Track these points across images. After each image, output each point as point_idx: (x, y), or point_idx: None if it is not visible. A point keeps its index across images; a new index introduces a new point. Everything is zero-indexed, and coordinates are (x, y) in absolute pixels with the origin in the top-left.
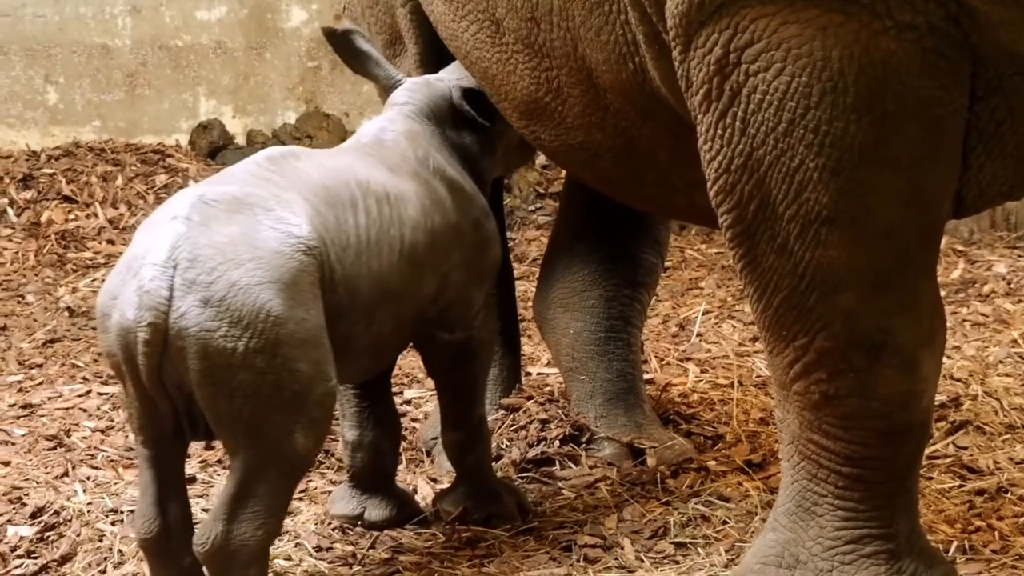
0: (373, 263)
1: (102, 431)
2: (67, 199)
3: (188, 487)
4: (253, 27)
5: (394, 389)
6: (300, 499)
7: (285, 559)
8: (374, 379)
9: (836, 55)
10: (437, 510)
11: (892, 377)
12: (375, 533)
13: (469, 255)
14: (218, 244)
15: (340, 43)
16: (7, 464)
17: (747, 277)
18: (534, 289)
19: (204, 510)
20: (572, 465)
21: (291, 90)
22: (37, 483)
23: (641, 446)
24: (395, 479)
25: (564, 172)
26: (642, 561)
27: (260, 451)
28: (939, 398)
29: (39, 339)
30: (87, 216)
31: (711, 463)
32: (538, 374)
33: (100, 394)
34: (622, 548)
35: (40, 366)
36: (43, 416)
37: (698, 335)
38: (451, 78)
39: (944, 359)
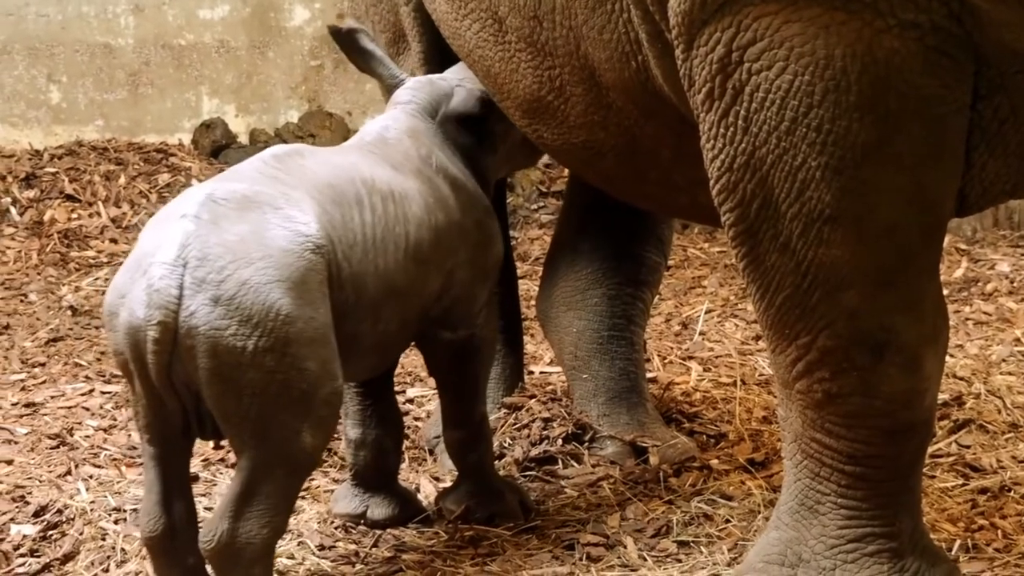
0: (379, 261)
1: (105, 430)
2: (70, 198)
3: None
4: (256, 26)
5: (396, 388)
6: (303, 498)
7: (288, 558)
8: (377, 377)
9: (839, 53)
10: (440, 509)
11: (895, 376)
12: (378, 532)
13: (473, 253)
14: (228, 243)
15: (345, 41)
16: (10, 463)
17: (750, 276)
18: (537, 288)
19: (207, 509)
20: (575, 464)
21: (294, 89)
22: (40, 482)
23: (644, 445)
24: (398, 478)
25: (567, 171)
26: (645, 560)
27: (267, 450)
28: (942, 397)
29: (42, 338)
30: (90, 215)
31: (714, 462)
32: (541, 373)
33: (103, 393)
34: (625, 547)
35: (43, 365)
36: (46, 415)
37: (701, 334)
38: (455, 78)
39: (947, 358)
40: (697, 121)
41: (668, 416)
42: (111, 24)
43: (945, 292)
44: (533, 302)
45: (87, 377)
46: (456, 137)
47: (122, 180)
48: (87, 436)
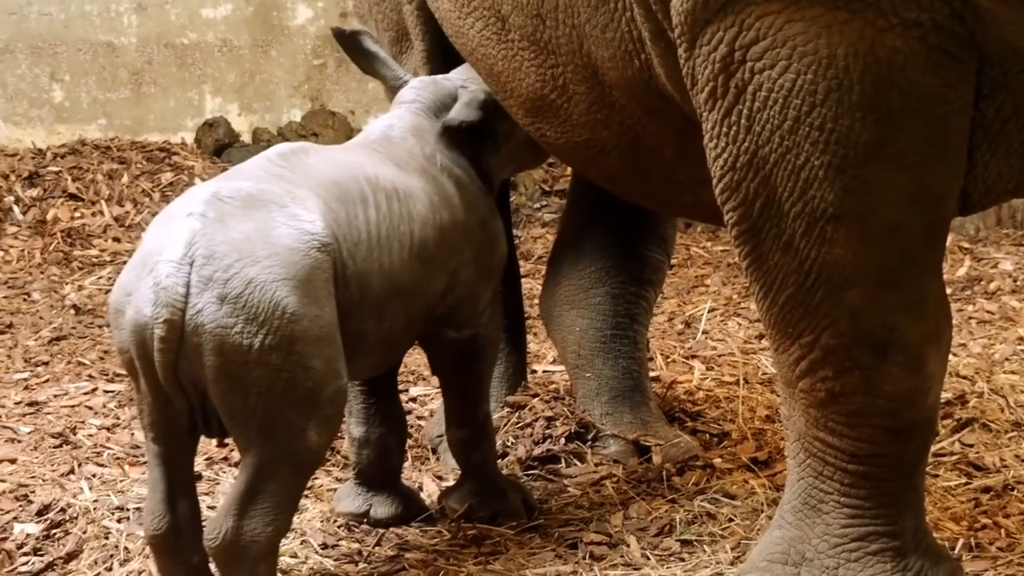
0: (384, 259)
1: (108, 429)
2: (73, 197)
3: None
4: (259, 25)
5: (400, 387)
6: (306, 497)
7: (291, 556)
8: (381, 376)
9: (841, 53)
10: (443, 507)
11: (898, 375)
12: (381, 530)
13: (477, 252)
14: (234, 241)
15: (348, 43)
16: (13, 462)
17: (753, 274)
18: (540, 287)
19: (210, 508)
20: (578, 462)
21: (297, 88)
22: (43, 481)
23: (647, 443)
24: (401, 476)
25: (570, 170)
26: (648, 559)
27: (272, 448)
28: (945, 395)
29: (45, 337)
30: (93, 214)
31: (717, 460)
32: (544, 371)
33: (106, 392)
34: (628, 546)
35: (46, 364)
36: (49, 414)
37: (704, 332)
38: (460, 78)
39: (950, 356)
40: (700, 120)
41: (671, 415)
42: (114, 23)
43: (948, 291)
44: (536, 301)
45: (90, 376)
46: (460, 140)
47: (125, 179)
48: (90, 435)
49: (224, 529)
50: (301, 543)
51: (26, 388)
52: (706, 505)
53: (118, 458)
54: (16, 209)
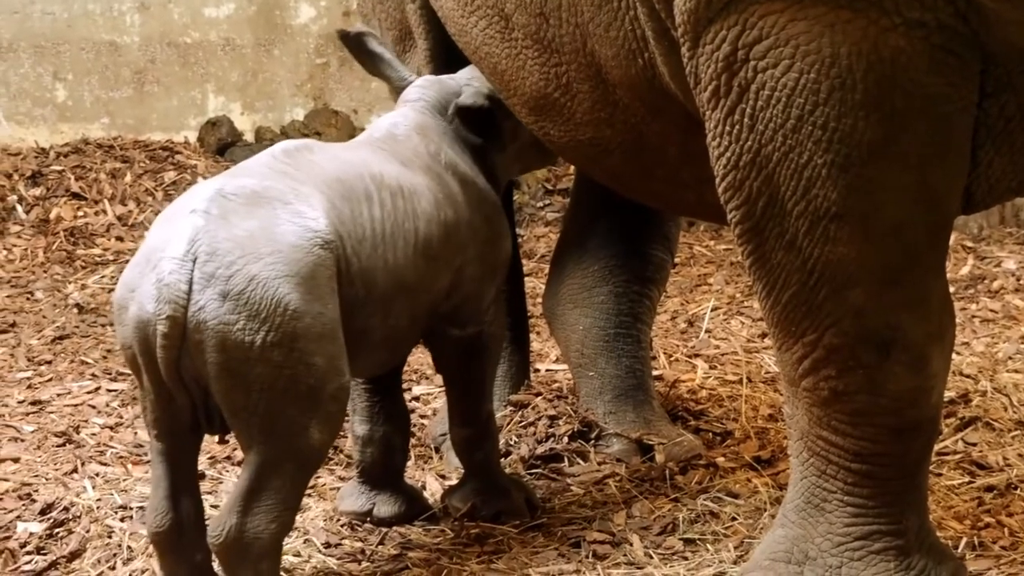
0: (389, 256)
1: (111, 428)
2: (76, 196)
3: None
4: (261, 24)
5: (403, 385)
6: (309, 495)
7: (294, 555)
8: (385, 374)
9: (844, 52)
10: (446, 506)
11: (901, 373)
12: (384, 529)
13: (482, 250)
14: (237, 238)
15: (353, 44)
16: (16, 461)
17: (756, 273)
18: (543, 285)
19: (213, 506)
20: (581, 461)
21: (299, 87)
22: (46, 479)
23: (650, 442)
24: (404, 475)
25: (573, 168)
26: (651, 557)
27: (275, 445)
28: (948, 394)
29: (48, 336)
30: (96, 213)
31: (720, 459)
32: (547, 370)
33: (109, 391)
34: (631, 544)
35: (49, 363)
36: (52, 413)
37: (707, 331)
38: (465, 78)
39: (953, 355)
40: (703, 119)
41: (674, 414)
42: (117, 22)
43: (951, 290)
44: (539, 299)
45: (93, 375)
46: (465, 134)
47: (128, 178)
48: (93, 434)
49: (228, 526)
50: (304, 542)
51: (29, 387)
52: (709, 504)
53: (121, 457)
54: (19, 208)
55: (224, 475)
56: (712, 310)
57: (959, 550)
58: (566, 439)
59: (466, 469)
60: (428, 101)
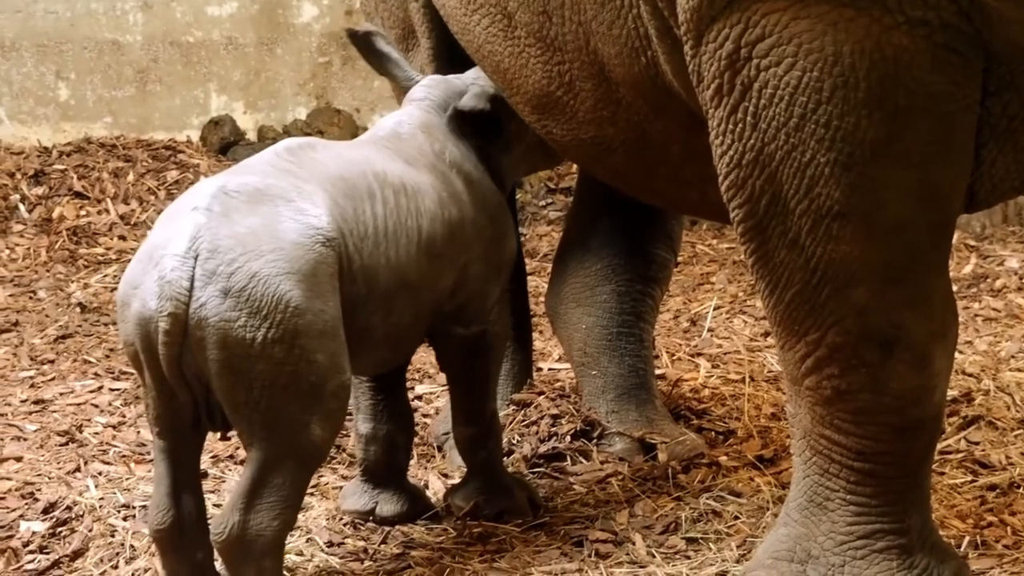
0: (391, 254)
1: (114, 427)
2: (78, 195)
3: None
4: (264, 23)
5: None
6: (312, 494)
7: (297, 554)
8: (389, 373)
9: (847, 50)
10: (448, 505)
11: (904, 372)
12: (387, 528)
13: (486, 248)
14: (239, 235)
15: (361, 44)
16: (19, 460)
17: (759, 272)
18: (545, 284)
19: (216, 505)
20: (583, 460)
21: (302, 86)
22: (49, 479)
23: (652, 441)
24: (407, 474)
25: (575, 167)
26: (653, 556)
27: (276, 442)
28: (951, 393)
29: (51, 335)
30: (98, 212)
31: (722, 458)
32: (549, 369)
33: (112, 390)
34: (633, 543)
35: (52, 362)
36: (55, 412)
37: (709, 330)
38: (471, 77)
39: (956, 354)
40: (706, 117)
41: (677, 413)
42: (119, 21)
43: (954, 288)
44: (542, 298)
45: (96, 374)
46: (470, 134)
47: (131, 177)
48: (96, 433)
49: (230, 524)
50: (307, 541)
51: (32, 386)
52: (712, 503)
53: (124, 456)
54: (22, 207)
55: (227, 474)
56: (715, 309)
57: (962, 549)
58: (569, 438)
59: (469, 468)
60: (434, 100)
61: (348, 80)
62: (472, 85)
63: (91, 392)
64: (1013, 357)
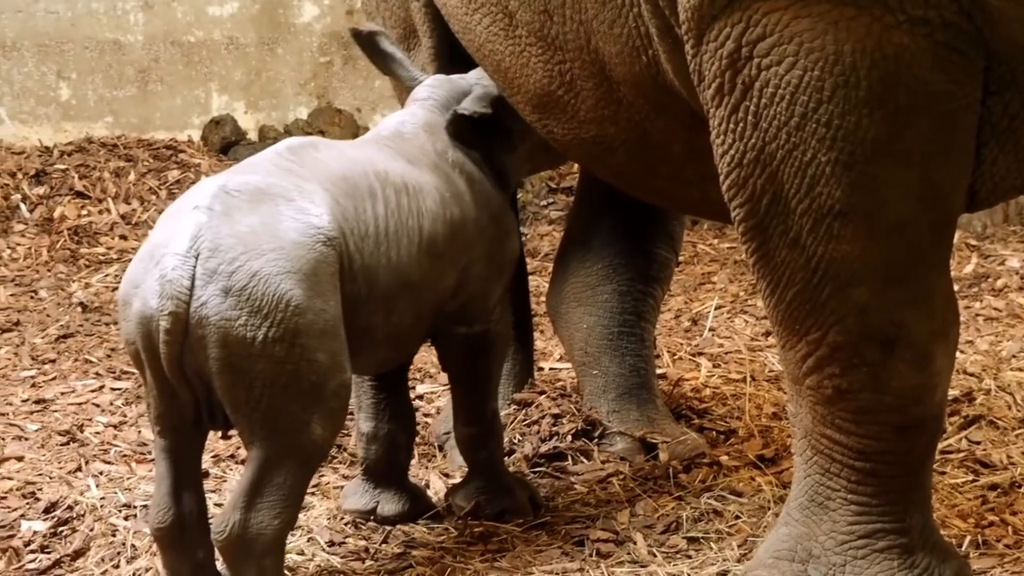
0: (392, 253)
1: (115, 426)
2: (80, 195)
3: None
4: (265, 22)
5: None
6: (312, 494)
7: (298, 554)
8: (392, 372)
9: (848, 49)
10: (449, 505)
11: (905, 371)
12: (388, 528)
13: (489, 248)
14: (239, 234)
15: (366, 44)
16: (20, 459)
17: (760, 271)
18: (546, 284)
19: (217, 505)
20: (584, 460)
21: (303, 86)
22: (50, 478)
23: (653, 441)
24: (408, 474)
25: (576, 167)
26: (655, 556)
27: (277, 441)
28: (952, 392)
29: (52, 335)
30: (100, 212)
31: (723, 458)
32: (550, 369)
33: (113, 389)
34: (634, 543)
35: (53, 361)
36: (56, 411)
37: (710, 330)
38: (475, 77)
39: (957, 353)
40: (707, 116)
41: (678, 412)
42: (120, 21)
43: (955, 288)
44: (543, 298)
45: (97, 374)
46: (472, 136)
47: (132, 177)
48: (97, 432)
49: (231, 523)
50: (308, 541)
51: (33, 386)
52: (713, 502)
53: (125, 456)
54: (23, 207)
55: (228, 474)
56: (716, 308)
57: (963, 548)
58: (570, 437)
59: (470, 467)
60: (437, 100)
61: (349, 80)
62: (476, 86)
63: (92, 392)
64: (1014, 357)
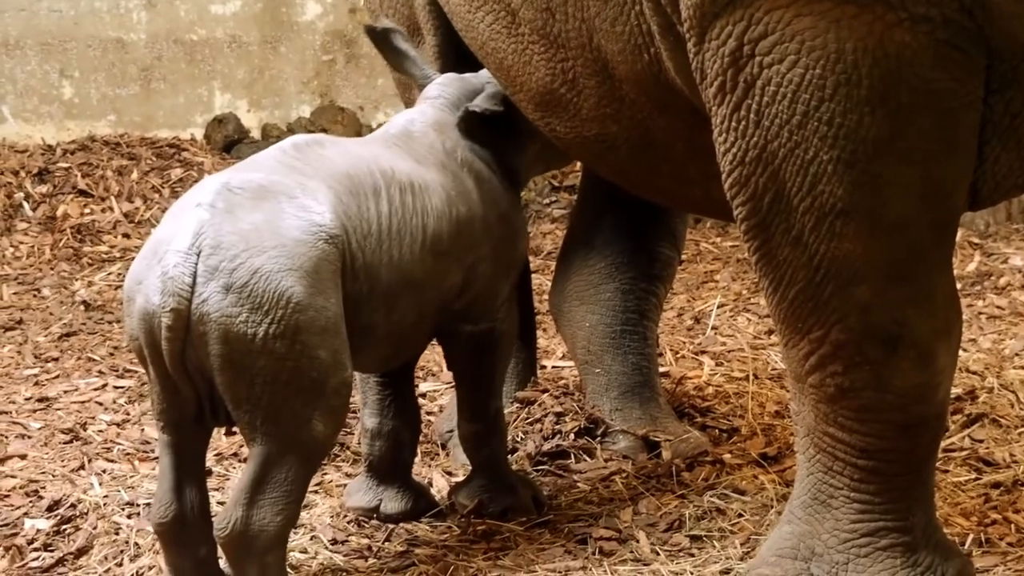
0: (394, 251)
1: (118, 424)
2: (83, 193)
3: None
4: (268, 21)
5: None
6: (315, 492)
7: (301, 552)
8: (397, 369)
9: (850, 47)
10: (452, 503)
11: (908, 370)
12: (390, 526)
13: (496, 247)
14: (241, 231)
15: (380, 41)
16: (24, 457)
17: (762, 270)
18: (549, 282)
19: (220, 503)
20: (587, 458)
21: (306, 84)
22: (53, 476)
23: (656, 439)
24: (411, 471)
25: (579, 165)
26: (657, 554)
27: (279, 437)
28: (955, 391)
29: (55, 333)
30: (103, 210)
31: (726, 456)
32: (553, 367)
33: (116, 388)
34: (637, 541)
35: (56, 360)
36: (59, 409)
37: (713, 328)
38: (486, 76)
39: (960, 352)
40: (709, 114)
41: (680, 411)
42: (123, 19)
43: (958, 286)
44: (546, 296)
45: (100, 372)
46: (483, 134)
47: (135, 175)
48: (100, 431)
49: (233, 520)
50: (311, 538)
51: (36, 384)
52: (715, 501)
53: (128, 454)
54: (26, 205)
55: (231, 471)
56: (718, 307)
57: (966, 547)
58: (572, 436)
59: (473, 465)
60: (447, 98)
61: (352, 78)
62: (487, 84)
63: (95, 390)
64: (1017, 355)
